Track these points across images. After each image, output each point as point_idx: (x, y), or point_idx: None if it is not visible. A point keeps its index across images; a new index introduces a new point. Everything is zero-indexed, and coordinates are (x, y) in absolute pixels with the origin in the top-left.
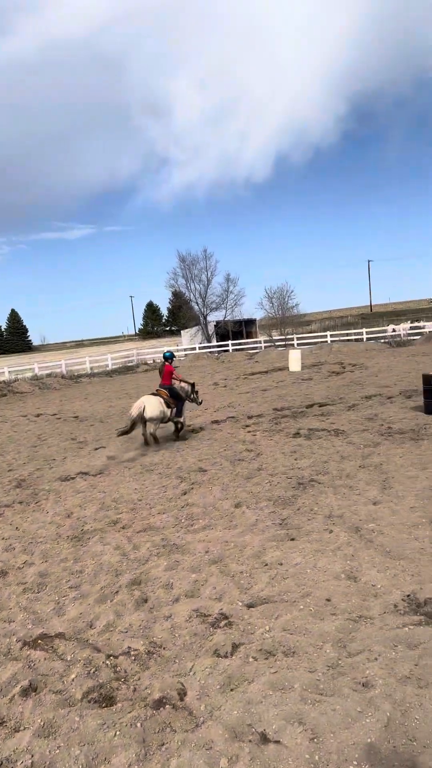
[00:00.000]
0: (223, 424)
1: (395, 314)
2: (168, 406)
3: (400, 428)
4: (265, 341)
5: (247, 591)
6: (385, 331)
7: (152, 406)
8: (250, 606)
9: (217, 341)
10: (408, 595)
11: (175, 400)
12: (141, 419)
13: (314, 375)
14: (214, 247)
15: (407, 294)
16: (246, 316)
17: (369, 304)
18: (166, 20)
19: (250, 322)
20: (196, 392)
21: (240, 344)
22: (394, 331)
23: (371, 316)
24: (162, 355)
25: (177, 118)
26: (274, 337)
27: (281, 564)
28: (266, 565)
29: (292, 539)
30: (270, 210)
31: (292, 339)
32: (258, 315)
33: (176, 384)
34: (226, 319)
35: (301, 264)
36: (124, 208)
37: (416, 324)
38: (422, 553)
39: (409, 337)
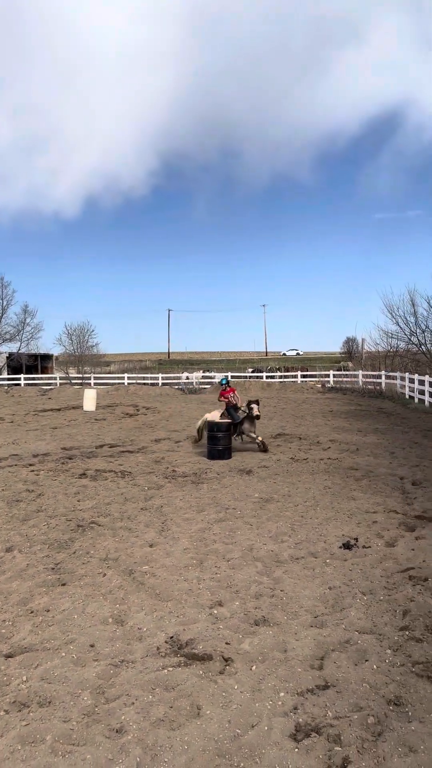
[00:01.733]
0: (3, 462)
1: (190, 363)
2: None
3: (183, 472)
4: (61, 378)
5: (7, 640)
6: (179, 377)
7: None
8: (8, 656)
9: (9, 374)
10: (171, 637)
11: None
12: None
13: (108, 415)
14: (13, 276)
15: (202, 345)
16: (42, 351)
17: (167, 350)
18: None
19: (46, 357)
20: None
21: (33, 379)
22: (187, 378)
23: (168, 363)
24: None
25: None
26: (71, 375)
27: (48, 610)
28: (32, 612)
29: (63, 584)
30: (77, 248)
31: (90, 378)
32: (56, 351)
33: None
34: (20, 351)
35: (104, 305)
36: None
37: (207, 374)
38: (189, 594)
39: (200, 385)
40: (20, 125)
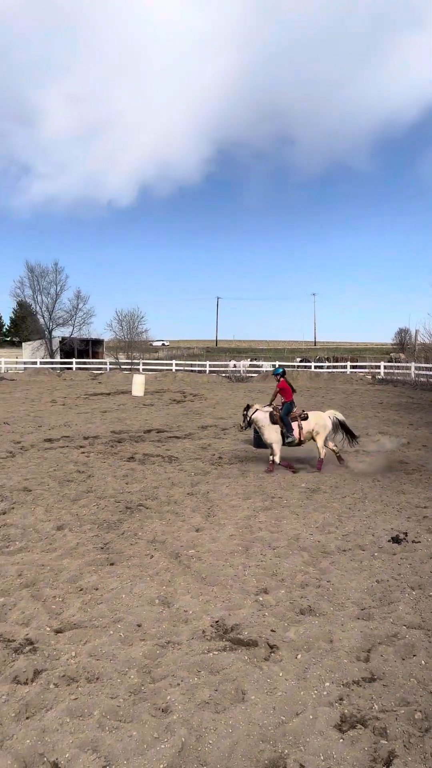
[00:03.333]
0: (56, 443)
1: (237, 351)
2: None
3: (230, 459)
4: (111, 363)
5: (57, 616)
6: (226, 365)
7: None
8: (58, 631)
9: (61, 358)
10: (216, 621)
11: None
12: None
13: (156, 401)
14: (67, 263)
15: (250, 333)
16: (94, 336)
17: (215, 338)
18: (40, 31)
19: (97, 342)
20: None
21: (85, 363)
22: (234, 366)
23: (215, 350)
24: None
25: (44, 131)
26: (121, 360)
27: (97, 589)
28: (81, 589)
29: (112, 564)
30: (130, 235)
31: (138, 364)
32: (106, 336)
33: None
34: (72, 336)
35: (154, 292)
36: None
37: (255, 362)
38: (235, 580)
39: (247, 374)
40: (77, 114)
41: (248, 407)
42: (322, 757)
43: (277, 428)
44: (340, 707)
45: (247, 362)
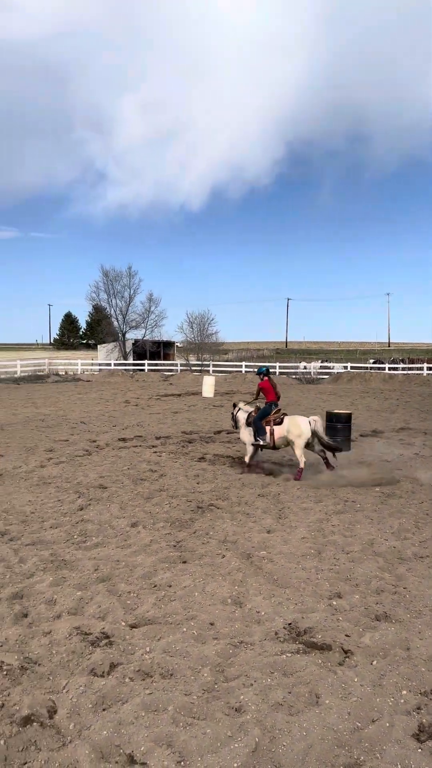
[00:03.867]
0: (129, 442)
1: (308, 352)
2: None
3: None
4: (182, 364)
5: (132, 611)
6: (297, 367)
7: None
8: (133, 626)
9: (134, 359)
10: (289, 624)
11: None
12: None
13: (226, 402)
14: (140, 266)
15: (321, 335)
16: (165, 338)
17: (285, 340)
18: (115, 41)
19: (168, 344)
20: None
21: (156, 365)
22: (305, 368)
23: (285, 352)
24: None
25: (119, 138)
26: (191, 362)
27: (170, 586)
28: (155, 586)
29: (185, 562)
30: (200, 238)
31: (208, 365)
32: (177, 338)
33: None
34: (144, 338)
35: (223, 294)
36: (54, 216)
37: (326, 364)
38: (307, 583)
39: (318, 375)
40: (150, 120)
41: (234, 406)
42: (399, 767)
43: (251, 429)
44: (417, 716)
45: (318, 364)
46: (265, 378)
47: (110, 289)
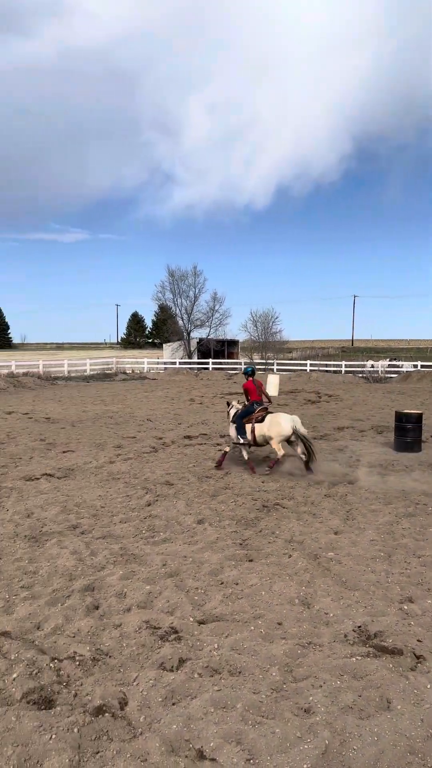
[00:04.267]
0: (194, 440)
1: (375, 351)
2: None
3: (368, 461)
4: (246, 363)
5: (200, 607)
6: (363, 365)
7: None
8: (201, 622)
9: (198, 358)
10: (359, 626)
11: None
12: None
13: (290, 401)
14: (204, 265)
15: (389, 333)
16: (229, 337)
17: (351, 338)
18: (182, 43)
19: (232, 343)
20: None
21: (220, 363)
22: (372, 366)
23: (352, 350)
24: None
25: (185, 139)
26: (255, 360)
27: (237, 584)
28: (222, 583)
29: (251, 560)
30: (265, 237)
31: (273, 364)
32: (241, 337)
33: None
34: (209, 337)
35: (288, 292)
36: (122, 218)
37: (394, 362)
38: (377, 586)
39: (386, 374)
40: (216, 120)
41: (228, 404)
42: None
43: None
44: None
45: (386, 362)
46: (250, 379)
47: (176, 289)
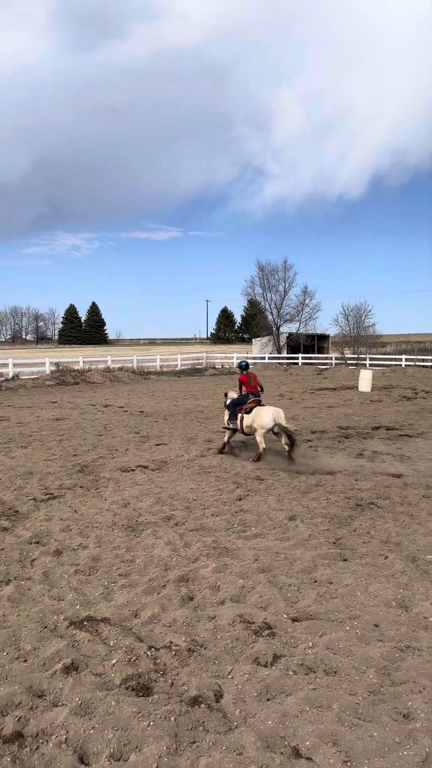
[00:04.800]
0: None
1: None
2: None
3: None
4: (337, 358)
5: (293, 604)
6: None
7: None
8: (295, 620)
9: (288, 353)
10: None
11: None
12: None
13: (384, 398)
14: (295, 259)
15: None
16: (319, 331)
17: None
18: (273, 35)
19: (323, 337)
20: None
21: (310, 358)
22: None
23: None
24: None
25: (277, 132)
26: (346, 355)
27: (331, 583)
28: (315, 581)
29: (345, 560)
30: (358, 228)
31: (365, 359)
32: (332, 331)
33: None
34: (299, 331)
35: (382, 284)
36: (213, 214)
37: None
38: None
39: None
40: (308, 112)
41: (226, 395)
42: None
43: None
44: None
45: None
46: (243, 372)
47: (265, 284)
